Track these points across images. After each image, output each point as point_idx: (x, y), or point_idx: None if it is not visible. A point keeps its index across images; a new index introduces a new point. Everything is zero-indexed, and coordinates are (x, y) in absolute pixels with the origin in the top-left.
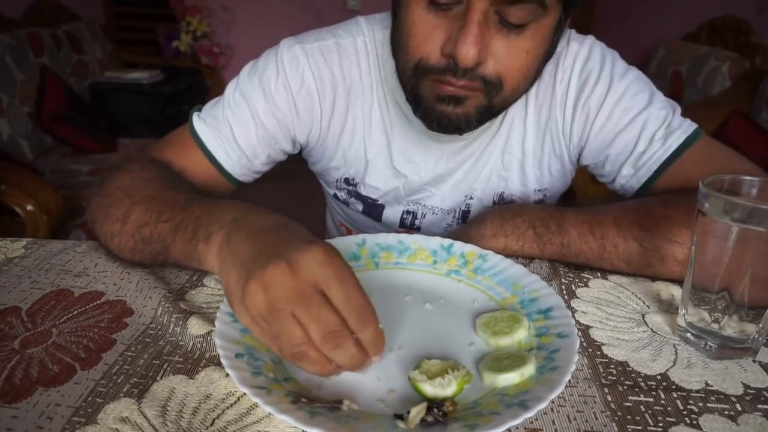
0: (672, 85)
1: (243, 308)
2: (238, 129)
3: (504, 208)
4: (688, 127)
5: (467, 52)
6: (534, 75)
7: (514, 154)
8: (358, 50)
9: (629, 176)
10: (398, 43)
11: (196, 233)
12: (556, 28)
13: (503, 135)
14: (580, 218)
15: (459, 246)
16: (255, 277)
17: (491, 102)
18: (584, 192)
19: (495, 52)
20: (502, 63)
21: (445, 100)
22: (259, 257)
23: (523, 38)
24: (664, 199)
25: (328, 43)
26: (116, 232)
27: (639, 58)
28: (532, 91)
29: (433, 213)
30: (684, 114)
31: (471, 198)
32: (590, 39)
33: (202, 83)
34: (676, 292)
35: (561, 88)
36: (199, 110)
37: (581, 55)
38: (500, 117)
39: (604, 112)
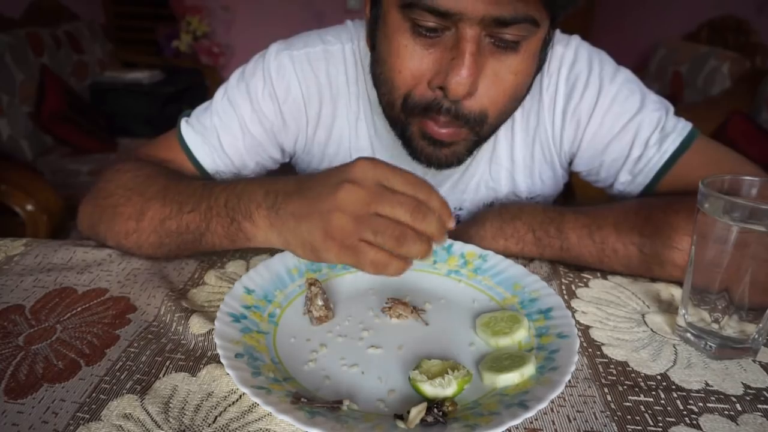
0: (672, 85)
1: (331, 242)
2: (225, 137)
3: (503, 209)
4: (683, 128)
5: (460, 85)
6: (522, 95)
7: (502, 164)
8: (346, 58)
9: (627, 183)
10: (381, 77)
11: (233, 218)
12: (544, 43)
13: (489, 145)
14: (579, 222)
15: (459, 246)
16: (329, 208)
17: (479, 135)
18: (585, 192)
19: (483, 82)
20: (488, 93)
21: (434, 143)
22: (318, 201)
23: (515, 58)
24: (665, 202)
25: (316, 49)
26: (132, 230)
27: (639, 58)
28: None
29: None
30: (684, 114)
31: (460, 209)
32: (575, 40)
33: (202, 83)
34: (676, 292)
35: (548, 94)
36: (188, 115)
37: (567, 59)
38: None
39: (596, 119)
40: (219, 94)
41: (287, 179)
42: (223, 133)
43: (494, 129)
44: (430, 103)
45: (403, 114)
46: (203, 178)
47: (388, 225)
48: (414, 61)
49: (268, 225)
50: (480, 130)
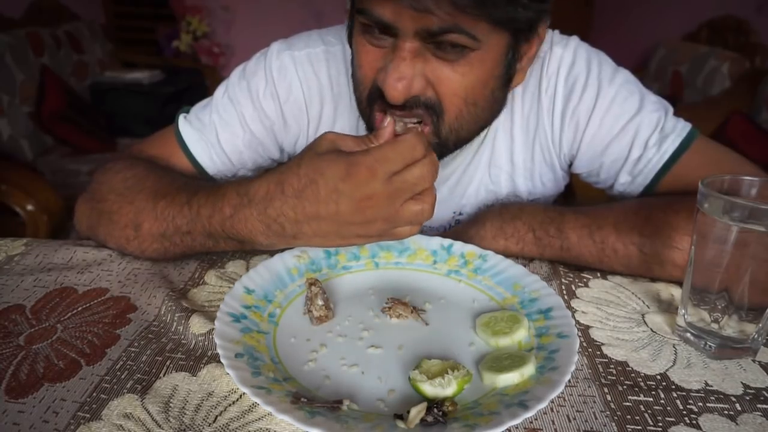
0: (672, 85)
1: (371, 238)
2: (224, 134)
3: (504, 209)
4: (682, 129)
5: (393, 90)
6: (482, 101)
7: (501, 167)
8: (347, 58)
9: (627, 184)
10: (354, 75)
11: (242, 241)
12: (506, 54)
13: (488, 148)
14: (580, 222)
15: (459, 246)
16: (360, 222)
17: (439, 134)
18: (585, 192)
19: (431, 78)
20: (438, 89)
21: None
22: (342, 220)
23: (460, 63)
24: (665, 202)
25: (317, 50)
26: (131, 237)
27: (639, 58)
28: (518, 100)
29: (422, 231)
30: (684, 114)
31: (461, 214)
32: (574, 41)
33: (202, 83)
34: (675, 292)
35: (547, 97)
36: (187, 112)
37: (566, 60)
38: (483, 131)
39: (595, 120)
40: (219, 91)
41: (271, 203)
42: (222, 130)
43: (458, 132)
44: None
45: (368, 108)
46: (197, 175)
47: (418, 212)
48: (369, 58)
49: (286, 244)
50: (439, 124)
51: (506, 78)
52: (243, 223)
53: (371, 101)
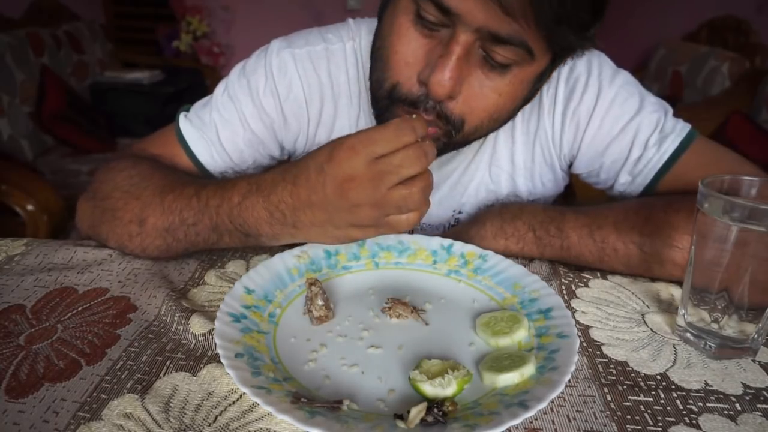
0: (672, 85)
1: (365, 229)
2: (224, 132)
3: (504, 209)
4: (682, 129)
5: (441, 86)
6: (504, 117)
7: (502, 168)
8: (348, 57)
9: (627, 184)
10: (379, 51)
11: (247, 233)
12: (540, 77)
13: (489, 148)
14: (580, 221)
15: (459, 246)
16: (347, 207)
17: (450, 140)
18: (585, 192)
19: (467, 89)
20: (469, 102)
21: None
22: (330, 206)
23: (502, 79)
24: (665, 202)
25: (317, 48)
26: (135, 233)
27: (639, 58)
28: None
29: (421, 229)
30: (684, 114)
31: (460, 213)
32: None
33: (202, 83)
34: (675, 291)
35: (548, 97)
36: (187, 110)
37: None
38: None
39: (595, 121)
40: (219, 89)
41: (274, 189)
42: (222, 128)
43: (467, 139)
44: (417, 98)
45: (387, 100)
46: (199, 174)
47: (406, 196)
48: (410, 46)
49: (289, 235)
50: (455, 134)
51: (529, 98)
52: (250, 211)
53: (393, 98)
